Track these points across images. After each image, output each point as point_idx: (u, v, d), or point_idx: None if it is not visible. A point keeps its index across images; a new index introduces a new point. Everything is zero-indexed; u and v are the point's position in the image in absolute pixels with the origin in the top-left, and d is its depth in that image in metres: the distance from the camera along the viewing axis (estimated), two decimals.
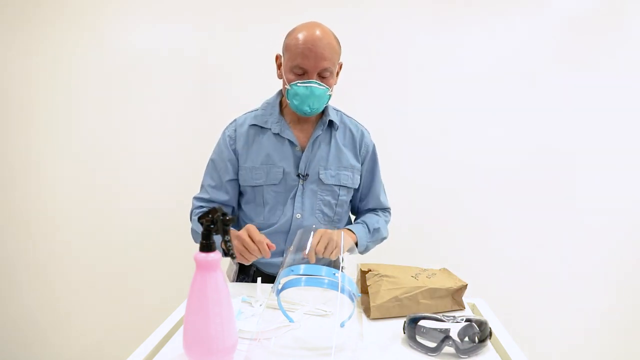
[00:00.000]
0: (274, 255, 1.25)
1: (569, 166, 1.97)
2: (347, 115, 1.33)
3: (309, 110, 1.15)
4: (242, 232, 1.07)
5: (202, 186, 1.29)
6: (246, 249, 1.05)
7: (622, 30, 1.89)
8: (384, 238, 1.36)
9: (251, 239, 1.05)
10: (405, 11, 1.93)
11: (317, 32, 1.11)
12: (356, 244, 1.23)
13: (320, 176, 1.24)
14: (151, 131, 2.01)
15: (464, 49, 1.95)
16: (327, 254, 1.04)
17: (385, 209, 1.39)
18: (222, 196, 1.26)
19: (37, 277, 2.10)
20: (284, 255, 1.24)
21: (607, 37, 1.90)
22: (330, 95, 1.19)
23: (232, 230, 1.08)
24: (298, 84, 1.12)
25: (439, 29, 1.94)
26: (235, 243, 1.06)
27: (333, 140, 1.26)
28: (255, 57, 1.91)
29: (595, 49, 1.91)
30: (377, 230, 1.30)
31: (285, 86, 1.16)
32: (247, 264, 1.12)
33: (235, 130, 1.26)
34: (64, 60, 1.98)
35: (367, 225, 1.29)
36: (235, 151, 1.25)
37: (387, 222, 1.37)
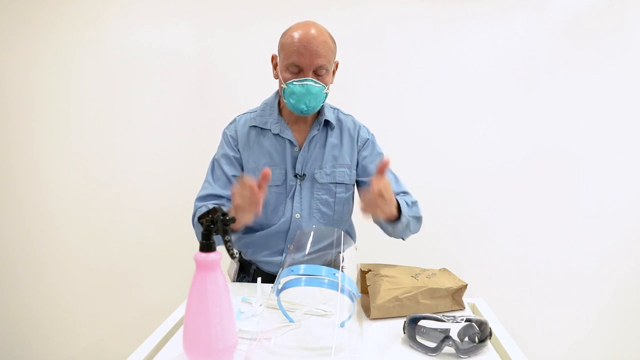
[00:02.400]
0: (273, 254, 1.26)
1: (569, 166, 1.97)
2: (344, 113, 1.32)
3: (306, 109, 1.15)
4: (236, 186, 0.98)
5: (206, 184, 1.24)
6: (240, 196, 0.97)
7: (622, 30, 1.89)
8: (421, 218, 1.23)
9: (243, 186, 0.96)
10: (405, 12, 1.93)
11: (312, 31, 1.11)
12: (399, 216, 1.11)
13: (315, 176, 1.24)
14: (151, 131, 2.01)
15: (464, 49, 1.95)
16: (379, 203, 0.97)
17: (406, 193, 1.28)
18: (229, 191, 1.21)
19: (37, 277, 2.10)
20: (284, 254, 1.24)
21: (608, 37, 1.90)
22: (326, 94, 1.18)
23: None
24: (294, 83, 1.12)
25: (440, 29, 1.94)
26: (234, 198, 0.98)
27: (329, 140, 1.26)
28: (255, 57, 1.91)
29: (595, 49, 1.91)
30: (415, 204, 1.20)
31: (282, 85, 1.16)
32: (246, 220, 1.01)
33: (236, 131, 1.26)
34: (64, 60, 1.98)
35: (403, 200, 1.17)
36: (238, 150, 1.25)
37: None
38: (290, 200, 1.23)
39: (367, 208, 1.00)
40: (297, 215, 1.23)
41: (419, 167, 1.98)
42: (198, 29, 1.96)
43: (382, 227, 1.22)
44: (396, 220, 1.11)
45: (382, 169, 0.99)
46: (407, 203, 1.17)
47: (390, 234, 1.22)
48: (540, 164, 1.98)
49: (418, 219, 1.22)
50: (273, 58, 1.22)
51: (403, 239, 1.25)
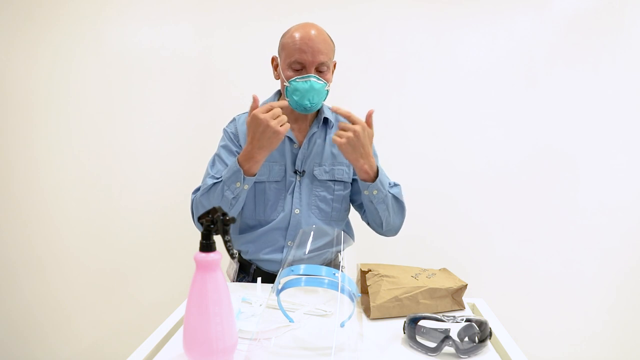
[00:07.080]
0: (273, 251, 1.26)
1: (569, 166, 1.97)
2: None
3: (309, 105, 1.16)
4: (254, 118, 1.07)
5: (206, 176, 1.23)
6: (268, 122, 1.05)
7: (622, 30, 1.89)
8: (402, 203, 1.25)
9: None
10: (405, 12, 1.93)
11: (313, 30, 1.15)
12: (375, 177, 1.14)
13: (315, 172, 1.25)
14: (151, 131, 2.01)
15: (464, 49, 1.95)
16: (344, 140, 1.07)
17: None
18: None
19: (37, 277, 2.10)
20: (285, 253, 1.25)
21: (608, 36, 1.90)
22: (327, 91, 1.20)
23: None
24: (297, 80, 1.14)
25: (440, 29, 1.94)
26: (261, 128, 1.06)
27: (328, 138, 1.27)
28: (255, 57, 1.91)
29: (595, 48, 1.91)
30: (397, 186, 1.24)
31: (284, 84, 1.17)
32: (263, 157, 1.11)
33: (236, 128, 1.27)
34: (64, 60, 1.97)
35: (386, 176, 1.22)
36: (240, 146, 1.25)
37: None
38: (290, 195, 1.24)
39: (336, 136, 1.09)
40: (297, 211, 1.24)
41: (419, 167, 1.98)
42: (198, 29, 1.96)
43: (367, 214, 1.25)
44: (372, 182, 1.14)
45: (368, 118, 1.13)
46: (389, 183, 1.21)
47: (375, 224, 1.25)
48: (540, 164, 1.97)
49: (400, 204, 1.24)
50: (273, 60, 1.24)
51: (391, 232, 1.27)
